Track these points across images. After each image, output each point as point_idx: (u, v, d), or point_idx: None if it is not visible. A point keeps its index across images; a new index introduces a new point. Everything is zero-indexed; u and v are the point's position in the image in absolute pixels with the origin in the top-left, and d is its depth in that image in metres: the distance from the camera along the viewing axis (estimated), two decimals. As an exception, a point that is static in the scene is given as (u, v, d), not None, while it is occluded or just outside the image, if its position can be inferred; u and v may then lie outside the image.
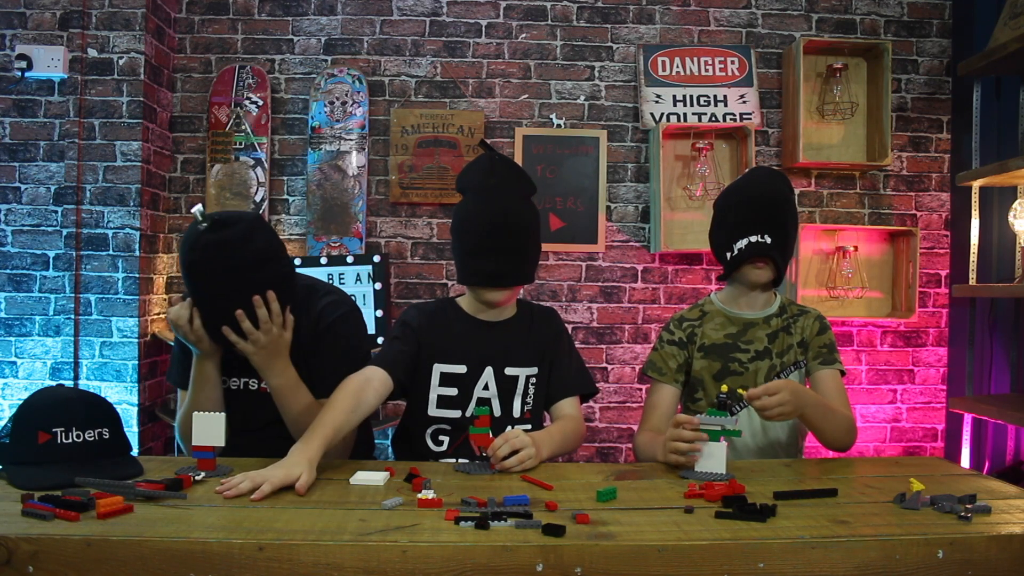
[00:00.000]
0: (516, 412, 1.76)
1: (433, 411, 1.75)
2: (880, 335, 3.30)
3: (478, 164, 1.73)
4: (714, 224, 1.87)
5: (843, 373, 1.82)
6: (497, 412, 1.74)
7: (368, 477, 1.42)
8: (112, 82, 2.95)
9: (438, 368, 1.75)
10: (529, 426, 1.77)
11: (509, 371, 1.75)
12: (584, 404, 3.05)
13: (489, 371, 1.74)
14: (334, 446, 1.50)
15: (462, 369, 1.74)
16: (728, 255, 1.80)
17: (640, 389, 3.24)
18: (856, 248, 3.20)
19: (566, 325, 1.92)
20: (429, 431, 1.76)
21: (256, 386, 1.73)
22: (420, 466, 1.54)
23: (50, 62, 2.94)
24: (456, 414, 1.73)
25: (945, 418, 3.29)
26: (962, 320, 3.17)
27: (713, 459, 1.50)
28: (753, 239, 1.73)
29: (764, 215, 1.75)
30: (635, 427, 3.15)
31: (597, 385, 3.03)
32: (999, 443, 2.92)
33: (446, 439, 1.75)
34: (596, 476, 1.50)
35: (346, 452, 1.69)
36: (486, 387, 1.75)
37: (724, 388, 1.60)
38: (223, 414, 1.45)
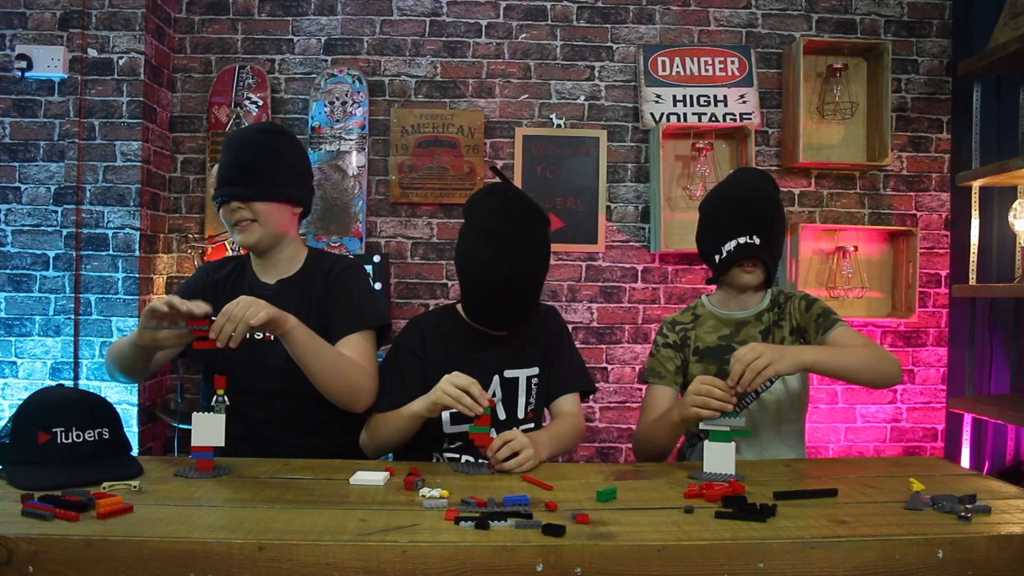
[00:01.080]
0: (520, 413, 1.77)
1: (449, 428, 1.73)
2: (880, 335, 3.30)
3: (491, 201, 1.66)
4: (700, 227, 1.85)
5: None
6: (502, 416, 1.74)
7: (368, 477, 1.42)
8: (112, 82, 2.95)
9: None
10: (532, 425, 1.77)
11: (508, 374, 1.75)
12: (584, 404, 3.03)
13: (496, 379, 1.74)
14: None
15: None
16: (716, 258, 1.77)
17: (640, 389, 3.25)
18: (856, 248, 3.20)
19: (567, 324, 1.92)
20: (444, 442, 1.76)
21: (261, 335, 1.71)
22: (420, 466, 1.55)
23: (50, 62, 2.94)
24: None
25: (945, 418, 3.29)
26: (962, 320, 3.17)
27: (721, 460, 1.48)
28: (742, 241, 1.71)
29: (751, 216, 1.72)
30: (634, 427, 3.18)
31: (597, 385, 3.05)
32: (999, 443, 2.92)
33: (459, 443, 1.76)
34: (596, 476, 1.50)
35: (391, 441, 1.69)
36: (494, 394, 1.74)
37: None
38: (223, 415, 1.45)
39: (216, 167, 3.10)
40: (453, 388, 1.48)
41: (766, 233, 1.72)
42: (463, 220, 1.72)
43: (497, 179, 1.82)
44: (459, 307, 1.81)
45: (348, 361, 1.64)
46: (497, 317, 1.68)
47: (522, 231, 1.64)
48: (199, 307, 1.48)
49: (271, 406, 1.71)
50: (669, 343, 1.85)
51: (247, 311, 1.44)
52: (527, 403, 1.77)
